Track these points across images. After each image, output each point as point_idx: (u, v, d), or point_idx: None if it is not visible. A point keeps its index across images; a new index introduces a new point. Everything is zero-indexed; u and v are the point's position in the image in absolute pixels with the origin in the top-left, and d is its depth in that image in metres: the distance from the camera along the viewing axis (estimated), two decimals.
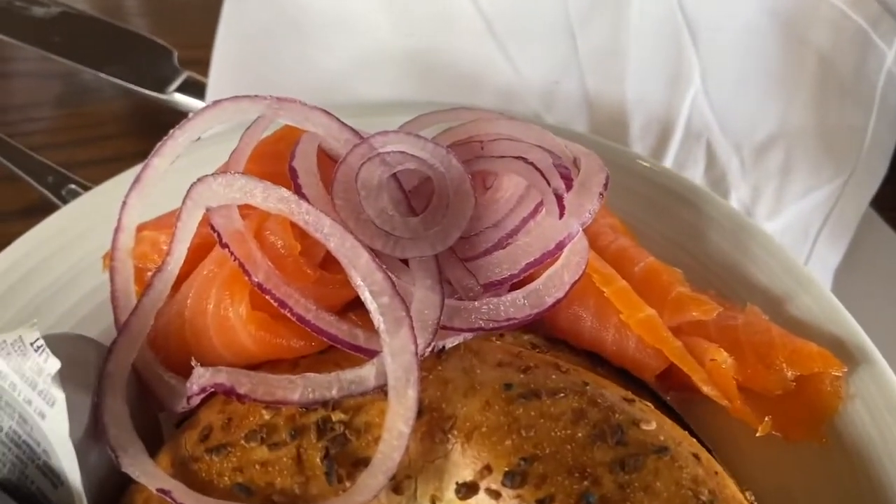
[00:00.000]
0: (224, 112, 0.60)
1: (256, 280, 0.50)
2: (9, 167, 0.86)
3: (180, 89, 0.89)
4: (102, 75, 0.89)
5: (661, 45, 0.78)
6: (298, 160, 0.57)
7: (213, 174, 0.54)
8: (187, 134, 0.60)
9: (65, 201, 0.80)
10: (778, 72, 0.78)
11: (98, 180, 0.76)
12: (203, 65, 0.90)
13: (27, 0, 0.97)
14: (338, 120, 0.60)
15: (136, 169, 0.70)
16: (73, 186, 0.81)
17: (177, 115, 0.93)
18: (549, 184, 0.55)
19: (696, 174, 0.71)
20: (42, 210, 0.83)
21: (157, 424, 0.58)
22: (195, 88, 0.88)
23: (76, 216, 0.71)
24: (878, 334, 0.65)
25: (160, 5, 1.20)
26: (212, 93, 0.84)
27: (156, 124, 0.98)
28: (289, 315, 0.50)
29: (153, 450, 0.52)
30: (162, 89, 0.89)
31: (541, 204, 0.56)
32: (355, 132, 0.60)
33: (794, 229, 0.73)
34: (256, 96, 0.60)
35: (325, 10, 0.87)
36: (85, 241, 0.69)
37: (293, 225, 0.53)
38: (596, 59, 0.78)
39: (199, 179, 0.55)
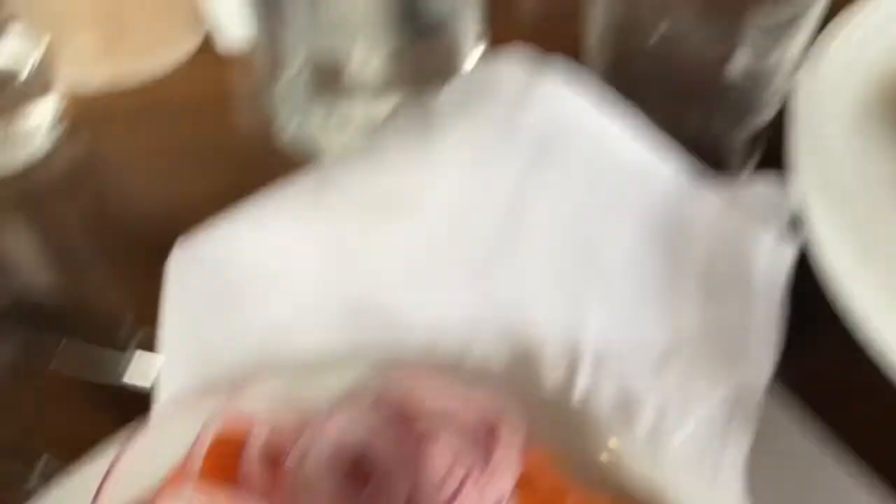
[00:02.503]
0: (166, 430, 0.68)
1: None
2: None
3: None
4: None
5: (562, 269, 0.87)
6: (246, 464, 0.63)
7: (170, 495, 0.60)
8: (136, 446, 0.67)
9: None
10: (665, 282, 0.87)
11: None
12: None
13: None
14: (280, 414, 0.67)
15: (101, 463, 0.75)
16: None
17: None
18: (469, 457, 0.63)
19: (604, 402, 0.79)
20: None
21: None
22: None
23: None
24: None
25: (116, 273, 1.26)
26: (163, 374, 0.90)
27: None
28: None
29: None
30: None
31: (467, 477, 0.63)
32: (298, 422, 0.67)
33: (700, 434, 0.80)
34: (201, 403, 0.67)
35: (267, 269, 0.93)
36: None
37: None
38: (508, 297, 0.87)
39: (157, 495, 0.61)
